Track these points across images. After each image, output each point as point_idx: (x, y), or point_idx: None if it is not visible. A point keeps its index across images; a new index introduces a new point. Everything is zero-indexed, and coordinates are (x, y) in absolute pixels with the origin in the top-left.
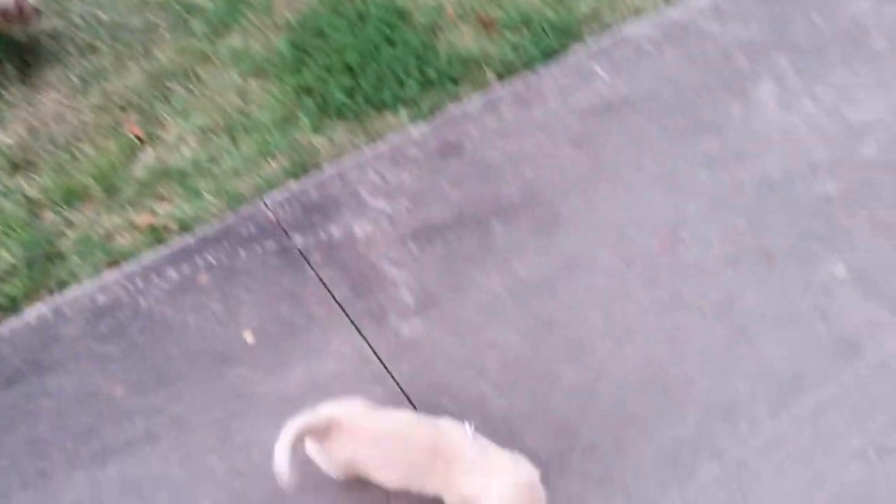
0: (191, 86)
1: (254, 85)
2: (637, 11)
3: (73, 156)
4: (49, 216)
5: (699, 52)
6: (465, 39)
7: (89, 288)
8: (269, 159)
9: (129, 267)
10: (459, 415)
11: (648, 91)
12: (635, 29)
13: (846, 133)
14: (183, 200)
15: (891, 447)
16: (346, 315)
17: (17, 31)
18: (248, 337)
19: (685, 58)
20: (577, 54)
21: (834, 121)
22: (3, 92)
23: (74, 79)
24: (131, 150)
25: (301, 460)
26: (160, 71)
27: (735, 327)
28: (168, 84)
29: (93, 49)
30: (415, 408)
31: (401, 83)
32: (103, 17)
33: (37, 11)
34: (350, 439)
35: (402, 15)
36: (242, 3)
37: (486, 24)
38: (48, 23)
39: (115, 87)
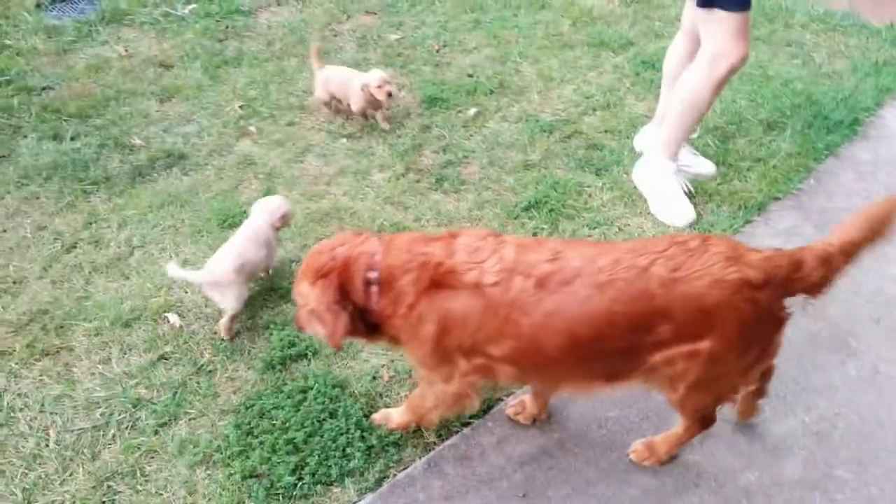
0: (137, 485)
1: (201, 474)
2: None
3: None
4: None
5: None
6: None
7: None
8: None
9: None
10: None
11: (579, 432)
12: None
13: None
14: None
15: None
16: None
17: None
18: None
19: (605, 398)
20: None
21: None
22: None
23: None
24: None
25: None
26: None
27: None
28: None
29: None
30: None
31: (346, 455)
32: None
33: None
34: None
35: (342, 385)
36: (188, 392)
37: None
38: None
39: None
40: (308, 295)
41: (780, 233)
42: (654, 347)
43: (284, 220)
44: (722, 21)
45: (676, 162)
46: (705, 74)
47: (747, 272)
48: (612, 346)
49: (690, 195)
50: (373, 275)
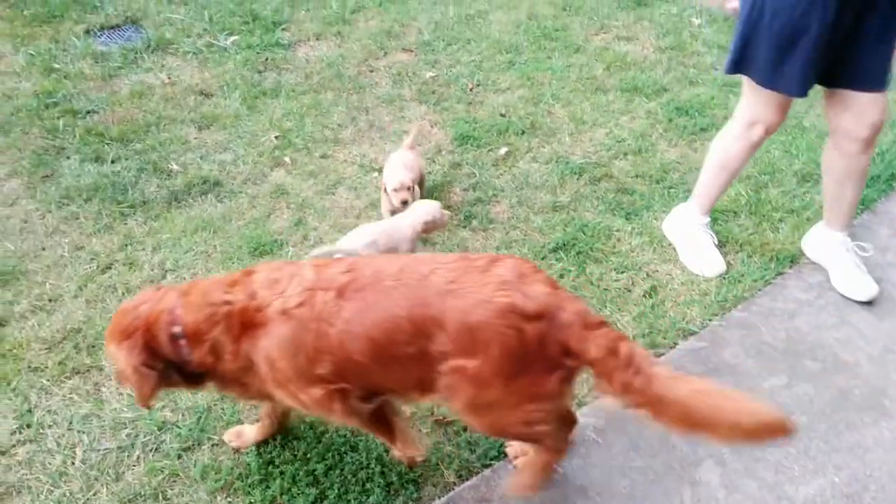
0: None
1: (221, 501)
2: (579, 403)
3: None
4: None
5: (642, 438)
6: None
7: None
8: None
9: None
10: None
11: (602, 480)
12: (581, 419)
13: None
14: None
15: None
16: None
17: None
18: None
19: (630, 447)
20: None
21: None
22: None
23: None
24: None
25: None
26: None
27: None
28: None
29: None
30: None
31: (365, 490)
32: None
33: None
34: None
35: None
36: (212, 417)
37: (440, 423)
38: None
39: None
40: (116, 356)
41: (813, 286)
42: (441, 357)
43: (427, 228)
44: (773, 96)
45: (708, 216)
46: (741, 136)
47: (518, 299)
48: (404, 351)
49: (720, 245)
50: (177, 329)
